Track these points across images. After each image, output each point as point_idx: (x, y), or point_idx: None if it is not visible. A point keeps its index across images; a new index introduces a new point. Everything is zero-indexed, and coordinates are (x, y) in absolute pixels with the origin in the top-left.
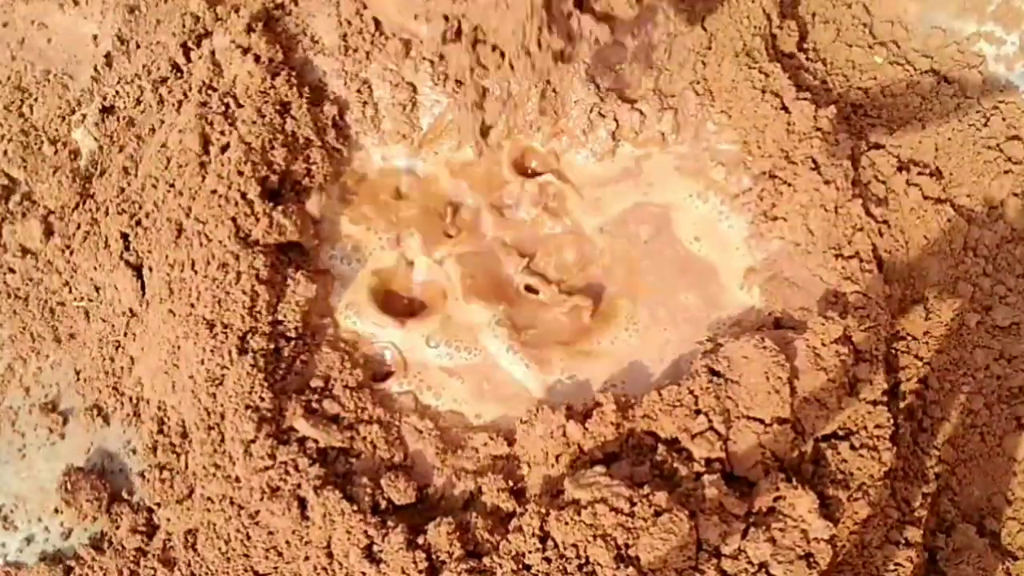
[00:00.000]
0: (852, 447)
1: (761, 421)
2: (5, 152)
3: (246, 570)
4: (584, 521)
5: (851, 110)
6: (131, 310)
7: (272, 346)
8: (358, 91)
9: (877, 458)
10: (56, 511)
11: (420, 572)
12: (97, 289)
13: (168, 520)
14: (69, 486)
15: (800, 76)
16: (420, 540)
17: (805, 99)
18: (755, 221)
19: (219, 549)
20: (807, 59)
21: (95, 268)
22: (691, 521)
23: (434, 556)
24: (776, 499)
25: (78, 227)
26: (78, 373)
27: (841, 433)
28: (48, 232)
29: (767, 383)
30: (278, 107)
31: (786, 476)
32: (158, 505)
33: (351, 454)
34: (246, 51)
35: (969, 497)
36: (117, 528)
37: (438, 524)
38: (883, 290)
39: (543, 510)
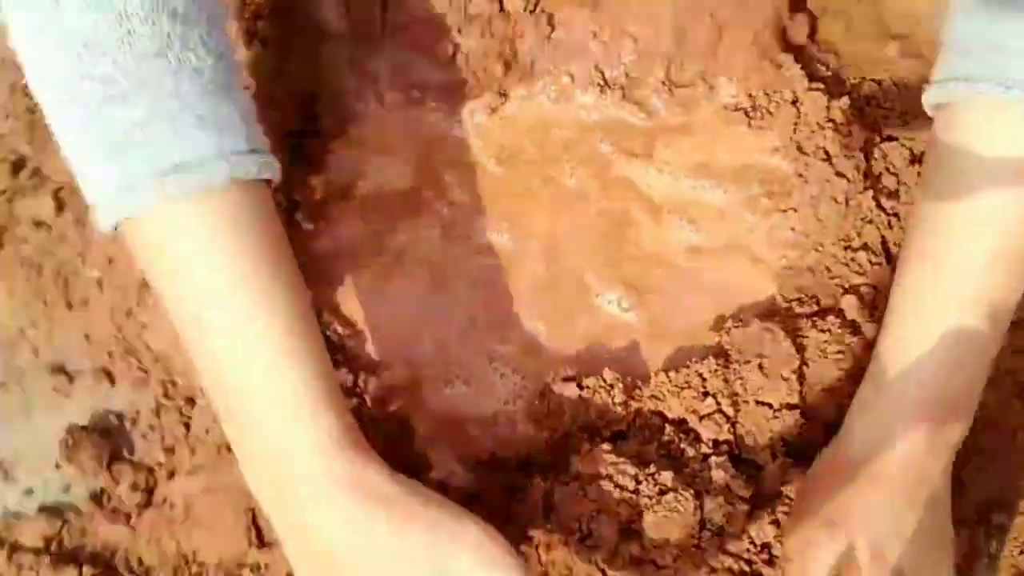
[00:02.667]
0: None
1: (770, 406)
2: (12, 131)
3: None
4: (589, 496)
5: (864, 102)
6: (144, 280)
7: None
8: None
9: None
10: (57, 467)
11: None
12: (110, 260)
13: (167, 481)
14: (71, 442)
15: (813, 67)
16: None
17: (818, 90)
18: (767, 211)
19: (216, 513)
20: (819, 51)
21: (110, 239)
22: (696, 500)
23: None
24: (783, 483)
25: None
26: (88, 337)
27: None
28: (60, 206)
29: (776, 369)
30: (288, 91)
31: (794, 461)
32: (159, 465)
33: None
34: (254, 36)
35: (980, 492)
36: (117, 485)
37: (450, 495)
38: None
39: (548, 483)
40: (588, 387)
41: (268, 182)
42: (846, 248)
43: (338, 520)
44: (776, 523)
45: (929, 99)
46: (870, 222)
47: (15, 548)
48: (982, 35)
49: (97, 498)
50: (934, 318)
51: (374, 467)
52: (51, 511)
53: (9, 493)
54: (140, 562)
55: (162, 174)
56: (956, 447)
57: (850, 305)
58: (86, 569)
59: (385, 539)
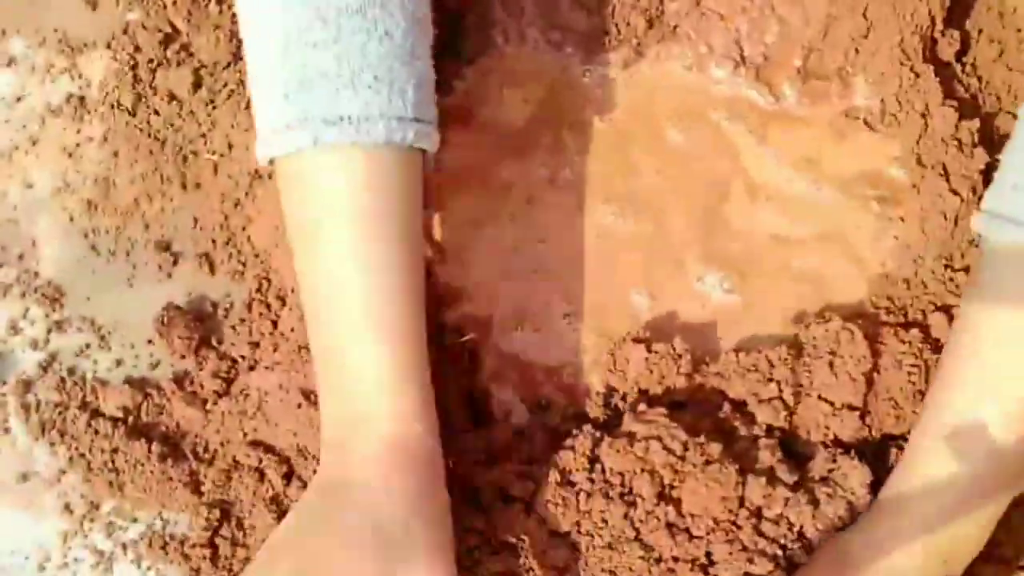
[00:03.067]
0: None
1: (831, 403)
2: (174, 2)
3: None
4: (635, 453)
5: (995, 132)
6: (257, 172)
7: None
8: None
9: None
10: (149, 342)
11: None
12: (230, 147)
13: (247, 374)
14: (165, 320)
15: (951, 86)
16: (484, 433)
17: (951, 107)
18: (875, 216)
19: (285, 410)
20: (963, 72)
21: (232, 126)
22: (739, 477)
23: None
24: (830, 471)
25: (225, 84)
26: (196, 221)
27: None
28: (197, 84)
29: (846, 369)
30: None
31: (845, 451)
32: (243, 357)
33: None
34: None
35: None
36: (201, 369)
37: (503, 426)
38: None
39: (597, 434)
40: (656, 352)
41: (424, 152)
42: (946, 267)
43: (358, 481)
44: (815, 504)
45: (976, 225)
46: (976, 246)
47: (96, 414)
48: None
49: (180, 380)
50: (955, 457)
51: (427, 460)
52: (135, 384)
53: (101, 359)
54: (206, 447)
55: (326, 123)
56: None
57: (938, 323)
58: (155, 446)
59: (359, 520)
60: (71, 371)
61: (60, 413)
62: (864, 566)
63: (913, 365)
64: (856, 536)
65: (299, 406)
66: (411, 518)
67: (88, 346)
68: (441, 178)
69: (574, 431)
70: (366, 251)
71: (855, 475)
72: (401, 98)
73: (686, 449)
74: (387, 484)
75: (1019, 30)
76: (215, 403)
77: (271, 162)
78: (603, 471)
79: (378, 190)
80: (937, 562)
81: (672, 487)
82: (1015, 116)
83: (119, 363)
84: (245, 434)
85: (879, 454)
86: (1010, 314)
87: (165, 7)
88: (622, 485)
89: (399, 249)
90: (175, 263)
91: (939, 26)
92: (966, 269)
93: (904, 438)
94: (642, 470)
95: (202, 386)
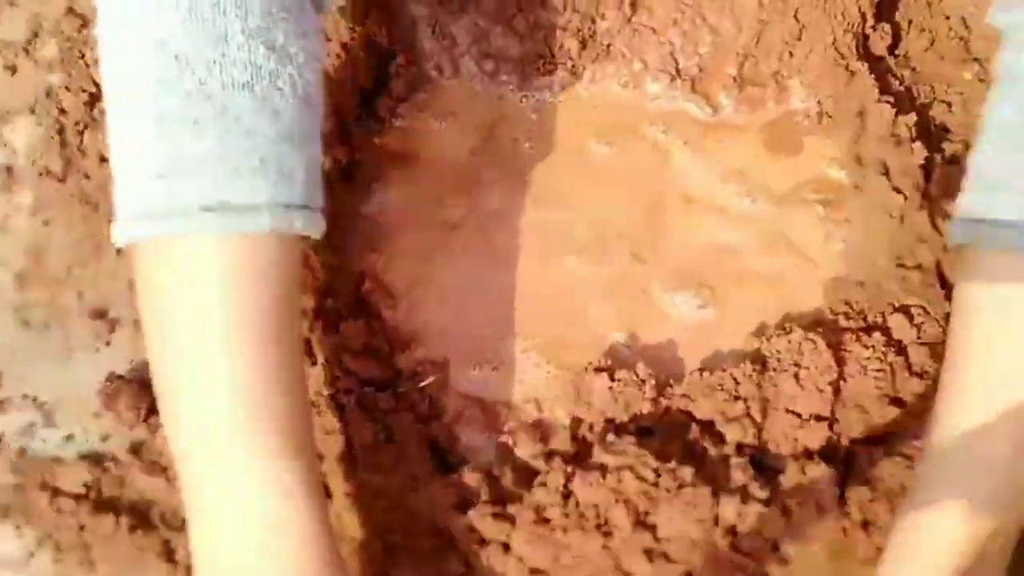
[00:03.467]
0: (887, 454)
1: (798, 415)
2: (96, 61)
3: None
4: (608, 484)
5: (931, 122)
6: None
7: (324, 276)
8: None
9: (911, 467)
10: (96, 415)
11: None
12: None
13: None
14: (110, 391)
15: (886, 80)
16: (454, 478)
17: (887, 103)
18: (821, 220)
19: None
20: (896, 64)
21: None
22: (713, 498)
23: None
24: (799, 481)
25: None
26: (131, 285)
27: (877, 440)
28: None
29: (812, 380)
30: (365, 43)
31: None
32: None
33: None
34: None
35: None
36: (154, 437)
37: (472, 468)
38: (943, 306)
39: (569, 468)
40: (620, 380)
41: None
42: (899, 266)
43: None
44: (789, 518)
45: (952, 238)
46: (924, 242)
47: (56, 493)
48: (1014, 169)
49: (136, 449)
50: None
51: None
52: (90, 459)
53: (50, 437)
54: (175, 514)
55: (206, 209)
56: None
57: (898, 325)
58: (123, 519)
59: None
60: (22, 451)
61: (20, 495)
62: None
63: (878, 370)
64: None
65: None
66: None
67: (34, 424)
68: (386, 219)
69: (544, 467)
70: (239, 351)
71: (823, 479)
72: (289, 184)
73: (658, 475)
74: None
75: (947, 17)
76: (175, 469)
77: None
78: (577, 505)
79: (257, 282)
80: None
81: (647, 514)
82: (950, 105)
83: (69, 438)
84: None
85: (848, 458)
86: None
87: (88, 67)
88: (597, 517)
89: (273, 349)
90: (112, 330)
91: (870, 21)
92: (919, 267)
93: (870, 441)
94: (616, 500)
95: (160, 453)
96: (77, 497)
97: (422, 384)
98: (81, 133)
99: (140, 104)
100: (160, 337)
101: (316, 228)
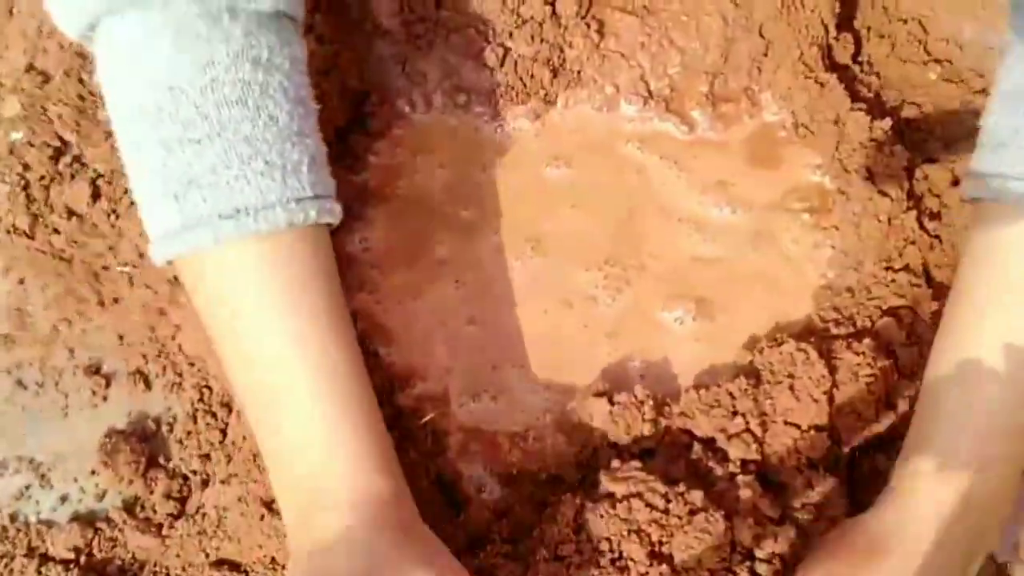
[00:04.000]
0: (888, 457)
1: (797, 426)
2: (60, 116)
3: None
4: (619, 515)
5: (904, 124)
6: (175, 278)
7: None
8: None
9: None
10: (93, 472)
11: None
12: (141, 255)
13: (201, 489)
14: (109, 448)
15: (854, 88)
16: (462, 519)
17: (860, 110)
18: (808, 228)
19: (248, 524)
20: (862, 71)
21: (140, 234)
22: (727, 522)
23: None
24: (807, 495)
25: (125, 192)
26: (121, 337)
27: (877, 443)
28: (95, 195)
29: (807, 390)
30: (339, 87)
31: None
32: (194, 472)
33: None
34: (309, 29)
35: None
36: (151, 493)
37: (478, 505)
38: (931, 306)
39: (578, 500)
40: (619, 403)
41: (328, 224)
42: (887, 268)
43: (343, 542)
44: (800, 534)
45: (965, 192)
46: (912, 243)
47: (45, 559)
48: (1019, 130)
49: (130, 507)
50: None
51: (396, 503)
52: (83, 520)
53: (44, 499)
54: (167, 574)
55: (222, 217)
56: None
57: (886, 328)
58: None
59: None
60: (12, 517)
61: (7, 564)
62: (890, 541)
63: (870, 375)
64: (871, 518)
65: (262, 518)
66: (402, 563)
67: (28, 487)
68: (371, 257)
69: (551, 498)
70: (289, 328)
71: (832, 492)
72: (296, 178)
73: (668, 501)
74: (365, 541)
75: (904, 21)
76: (171, 526)
77: (170, 263)
78: (589, 539)
79: (287, 272)
80: (967, 522)
81: (662, 543)
82: (919, 106)
83: (63, 500)
84: (207, 554)
85: (850, 465)
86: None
87: (51, 121)
88: (611, 551)
89: (323, 320)
90: (108, 385)
91: (832, 32)
92: (906, 268)
93: (870, 445)
94: (629, 531)
95: (155, 510)
96: (65, 563)
97: (424, 420)
98: (47, 188)
99: (144, 135)
100: (223, 342)
101: (331, 215)
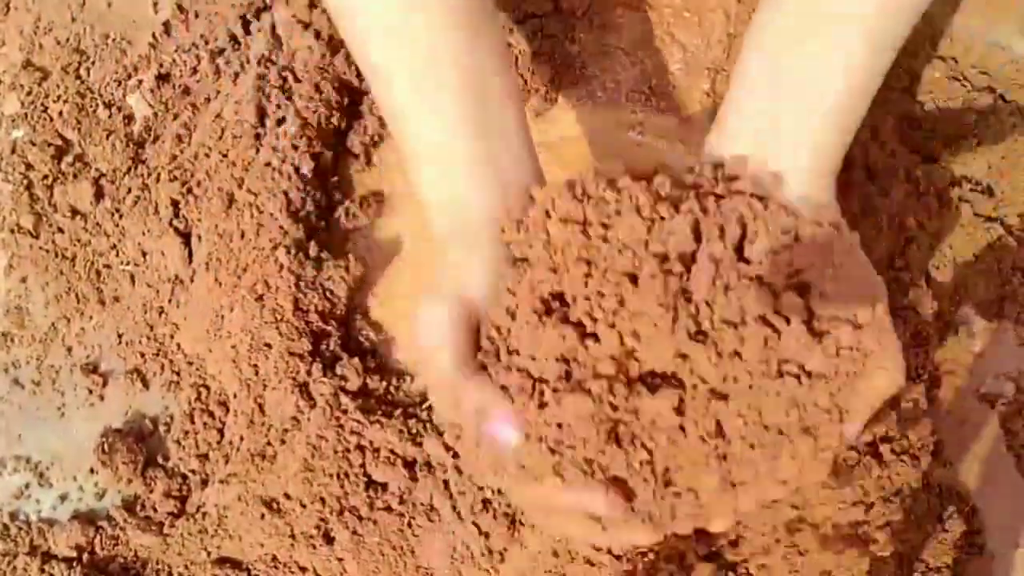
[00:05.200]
0: (893, 452)
1: None
2: (60, 113)
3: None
4: None
5: (906, 122)
6: (177, 277)
7: (318, 319)
8: None
9: (917, 466)
10: (91, 471)
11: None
12: (144, 254)
13: (201, 489)
14: (106, 447)
15: None
16: None
17: None
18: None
19: (249, 522)
20: None
21: (143, 233)
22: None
23: None
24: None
25: (128, 191)
26: (120, 336)
27: (880, 441)
28: (98, 195)
29: None
30: (336, 84)
31: None
32: (192, 472)
33: None
34: (307, 26)
35: (1000, 518)
36: (151, 492)
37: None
38: (931, 305)
39: None
40: None
41: None
42: (888, 267)
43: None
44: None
45: None
46: (912, 242)
47: (47, 557)
48: None
49: (130, 505)
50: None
51: None
52: (84, 518)
53: (44, 498)
54: (170, 573)
55: None
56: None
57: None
58: None
59: None
60: (13, 516)
61: (9, 562)
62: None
63: None
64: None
65: (262, 516)
66: None
67: (27, 486)
68: (372, 257)
69: None
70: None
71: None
72: None
73: None
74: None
75: None
76: (172, 525)
77: None
78: None
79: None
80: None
81: None
82: (921, 104)
83: (63, 498)
84: (209, 553)
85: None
86: None
87: (52, 120)
88: None
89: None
90: (105, 384)
91: None
92: (906, 267)
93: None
94: None
95: (155, 509)
96: (68, 561)
97: (425, 405)
98: (50, 187)
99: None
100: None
101: None
